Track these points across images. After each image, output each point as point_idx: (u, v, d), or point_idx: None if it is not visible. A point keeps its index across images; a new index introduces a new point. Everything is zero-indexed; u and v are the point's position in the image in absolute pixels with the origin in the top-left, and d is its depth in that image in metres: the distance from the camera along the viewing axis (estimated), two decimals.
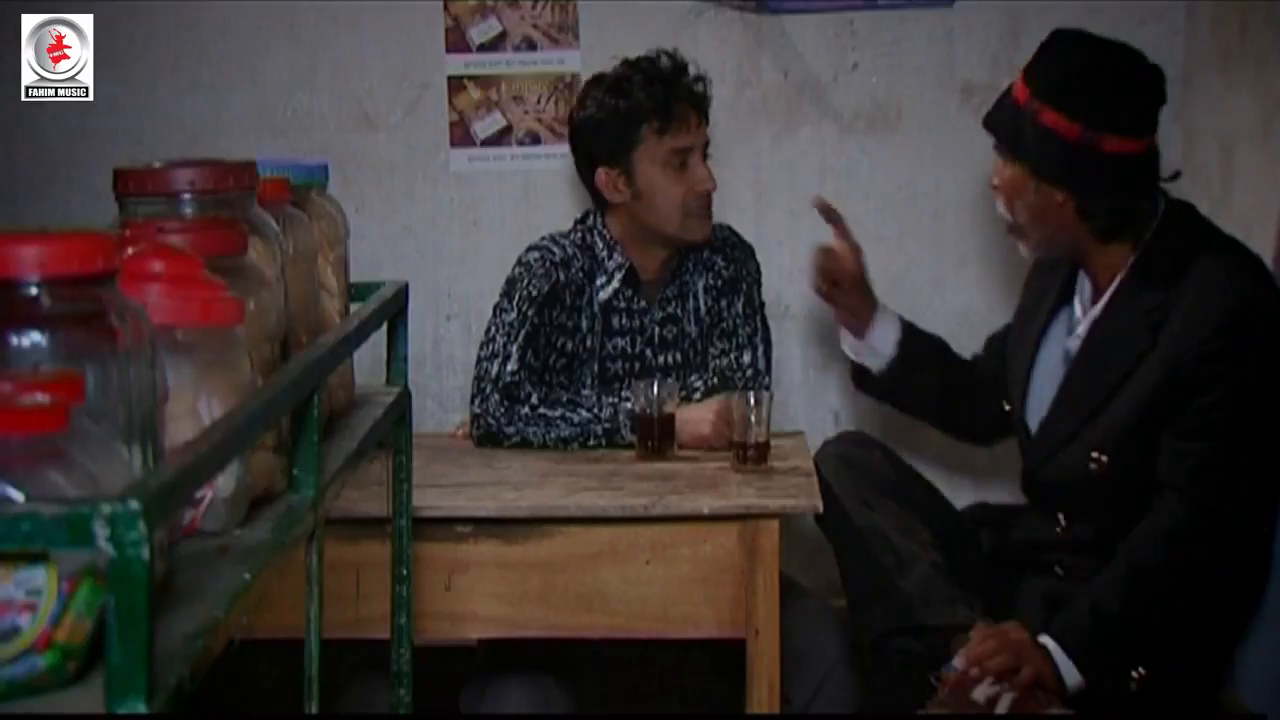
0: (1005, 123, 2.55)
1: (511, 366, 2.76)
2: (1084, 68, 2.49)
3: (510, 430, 2.73)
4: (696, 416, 2.70)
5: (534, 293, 2.81)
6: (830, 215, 2.86)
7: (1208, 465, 2.35)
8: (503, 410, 2.73)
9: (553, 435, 2.72)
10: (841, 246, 2.85)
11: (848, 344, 2.88)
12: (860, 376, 2.91)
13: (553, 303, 2.83)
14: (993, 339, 2.91)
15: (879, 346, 2.83)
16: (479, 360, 2.80)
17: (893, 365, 2.83)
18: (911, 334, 2.86)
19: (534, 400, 2.73)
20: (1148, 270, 2.48)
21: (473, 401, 2.77)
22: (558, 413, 2.72)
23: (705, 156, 2.85)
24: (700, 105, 2.84)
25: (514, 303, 2.81)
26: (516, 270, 2.85)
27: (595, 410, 2.72)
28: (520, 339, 2.78)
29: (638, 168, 2.81)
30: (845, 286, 2.82)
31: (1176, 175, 2.58)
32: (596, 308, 2.86)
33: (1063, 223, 2.52)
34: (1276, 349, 2.38)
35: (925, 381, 2.86)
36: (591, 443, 2.71)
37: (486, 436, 2.74)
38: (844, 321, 2.86)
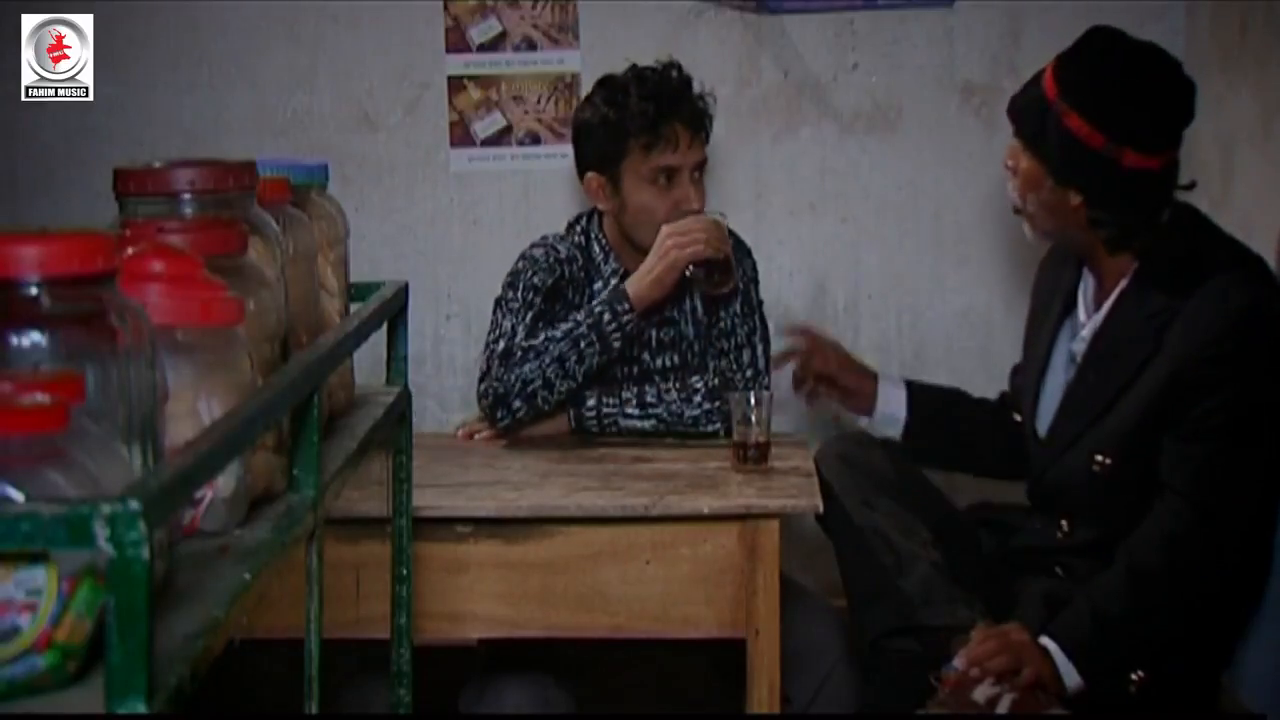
0: (1030, 115, 2.51)
1: (519, 339, 2.74)
2: (1117, 78, 2.46)
3: (511, 380, 2.70)
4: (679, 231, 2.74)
5: (539, 284, 2.81)
6: (797, 332, 2.93)
7: (1209, 468, 2.35)
8: (502, 370, 2.72)
9: (547, 360, 2.69)
10: (813, 340, 2.89)
11: (867, 426, 2.87)
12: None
13: (555, 297, 2.83)
14: (1014, 370, 2.88)
15: (891, 413, 2.83)
16: (486, 346, 2.79)
17: (910, 427, 2.82)
18: (920, 392, 2.86)
19: (520, 347, 2.73)
20: (1152, 274, 2.47)
21: (479, 384, 2.76)
22: (539, 340, 2.71)
23: (698, 176, 2.82)
24: (696, 125, 2.80)
25: (519, 292, 2.81)
26: (520, 264, 2.86)
27: (576, 317, 2.72)
28: (528, 320, 2.77)
29: (624, 178, 2.80)
30: (834, 375, 2.85)
31: (1192, 185, 2.57)
32: None
33: (1073, 224, 2.51)
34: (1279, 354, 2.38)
35: (951, 430, 2.85)
36: (584, 347, 2.69)
37: (495, 402, 2.72)
38: (849, 406, 2.88)
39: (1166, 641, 2.36)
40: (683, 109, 2.79)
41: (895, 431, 2.84)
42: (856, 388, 2.85)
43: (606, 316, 2.69)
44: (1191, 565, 2.35)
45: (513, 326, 2.77)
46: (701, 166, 2.83)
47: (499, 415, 2.73)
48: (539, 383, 2.70)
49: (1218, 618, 2.39)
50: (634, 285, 2.72)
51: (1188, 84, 2.49)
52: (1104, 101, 2.44)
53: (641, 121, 2.76)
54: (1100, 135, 2.42)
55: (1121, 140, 2.42)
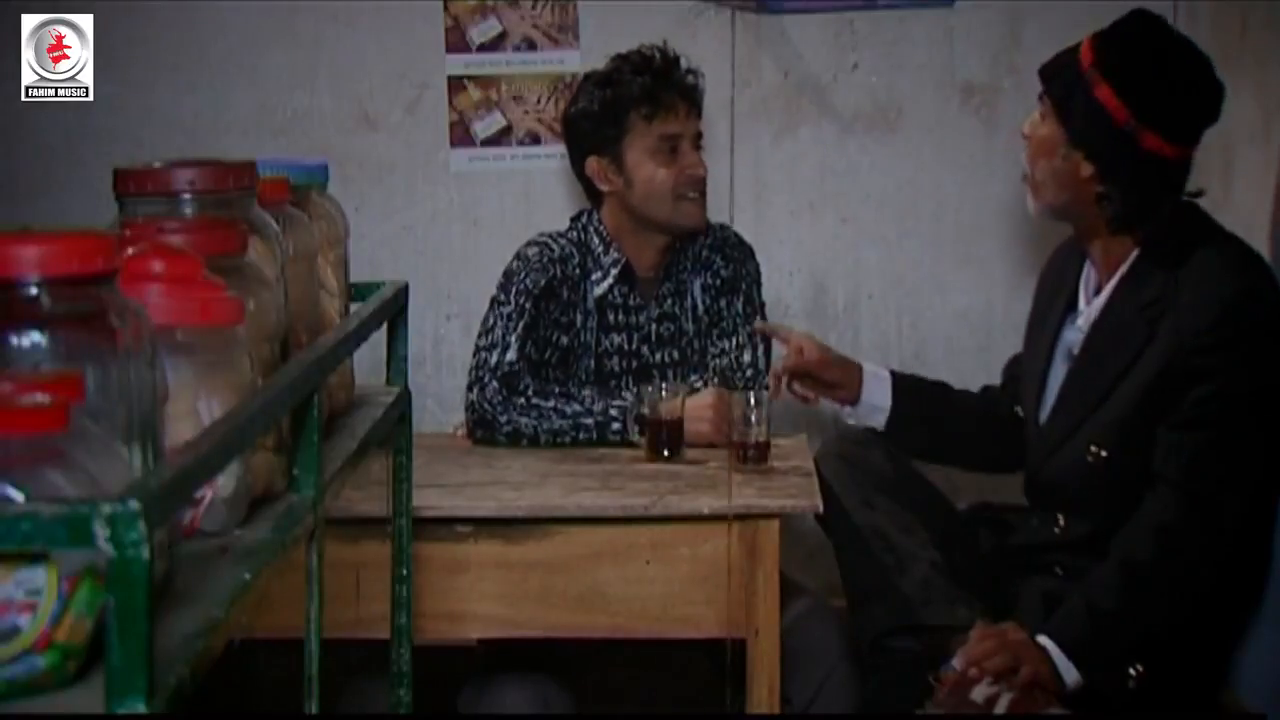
0: (1060, 79, 2.52)
1: (511, 356, 2.76)
2: (1155, 58, 2.48)
3: (504, 419, 2.72)
4: (695, 414, 2.68)
5: (530, 286, 2.82)
6: (766, 332, 2.87)
7: (1201, 458, 2.35)
8: (500, 398, 2.73)
9: (545, 426, 2.71)
10: (792, 342, 2.80)
11: (850, 416, 2.82)
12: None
13: (549, 297, 2.83)
14: (1011, 361, 2.88)
15: (875, 403, 2.78)
16: (477, 350, 2.80)
17: (893, 415, 2.78)
18: (904, 380, 2.82)
19: (530, 391, 2.73)
20: (1148, 265, 2.48)
21: (469, 390, 2.77)
22: (550, 403, 2.72)
23: (698, 146, 2.86)
24: (690, 96, 2.86)
25: (511, 295, 2.82)
26: (514, 264, 2.87)
27: (589, 405, 2.71)
28: (519, 330, 2.78)
29: (627, 155, 2.83)
30: (812, 370, 2.77)
31: (1200, 193, 2.57)
32: (591, 304, 2.87)
33: (1079, 197, 2.51)
34: (1272, 342, 2.39)
35: (934, 420, 2.81)
36: (582, 437, 2.70)
37: (480, 423, 2.74)
38: (836, 400, 2.82)
39: (1163, 634, 2.36)
40: (676, 79, 2.84)
41: (879, 421, 2.78)
42: (840, 380, 2.78)
43: (615, 426, 2.70)
44: (1184, 556, 2.35)
45: (503, 336, 2.78)
46: (699, 138, 2.88)
47: (478, 435, 2.75)
48: (528, 437, 2.72)
49: (1215, 611, 2.39)
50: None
51: (1218, 84, 2.50)
52: (1136, 79, 2.45)
53: (640, 94, 2.81)
54: (1126, 110, 2.43)
55: (1145, 120, 2.43)
